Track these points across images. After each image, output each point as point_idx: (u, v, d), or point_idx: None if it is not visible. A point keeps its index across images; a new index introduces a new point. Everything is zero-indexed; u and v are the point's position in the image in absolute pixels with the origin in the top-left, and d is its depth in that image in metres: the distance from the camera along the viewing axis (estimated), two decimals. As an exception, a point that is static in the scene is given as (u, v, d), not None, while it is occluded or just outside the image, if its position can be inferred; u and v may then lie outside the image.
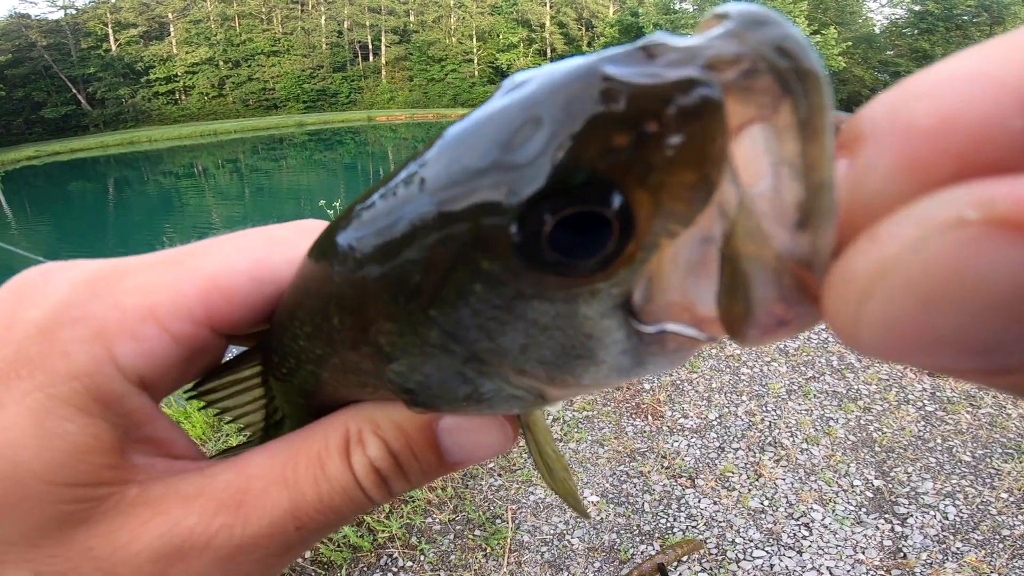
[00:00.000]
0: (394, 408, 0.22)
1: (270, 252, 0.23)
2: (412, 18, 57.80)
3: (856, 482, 2.74)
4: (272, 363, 0.25)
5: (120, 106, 53.50)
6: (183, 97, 56.22)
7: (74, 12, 52.14)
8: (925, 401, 3.33)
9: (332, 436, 0.22)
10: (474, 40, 55.41)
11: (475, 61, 55.17)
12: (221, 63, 56.02)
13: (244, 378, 0.28)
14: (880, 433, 3.07)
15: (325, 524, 0.22)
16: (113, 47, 53.22)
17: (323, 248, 0.20)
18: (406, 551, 2.40)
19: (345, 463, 0.22)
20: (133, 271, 0.21)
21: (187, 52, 54.54)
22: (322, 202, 5.06)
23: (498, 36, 55.15)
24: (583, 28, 55.90)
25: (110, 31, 52.93)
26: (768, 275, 0.13)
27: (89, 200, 23.19)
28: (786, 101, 0.12)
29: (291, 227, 0.25)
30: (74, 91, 51.28)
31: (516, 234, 0.14)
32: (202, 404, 0.27)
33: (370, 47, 58.67)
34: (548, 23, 54.54)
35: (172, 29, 55.00)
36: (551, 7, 54.78)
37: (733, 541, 2.43)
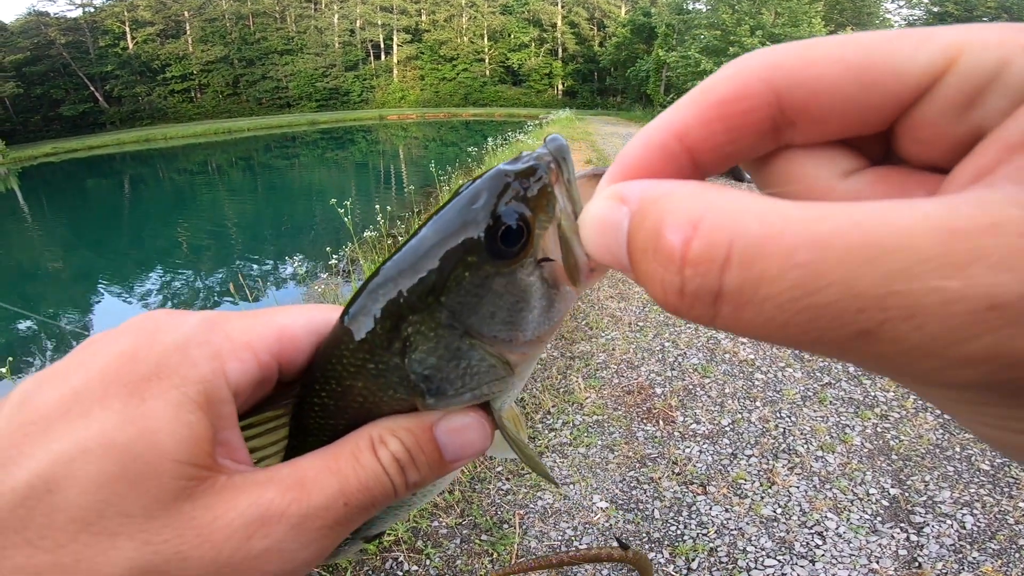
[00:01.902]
0: (403, 418, 0.30)
1: (320, 312, 0.32)
2: (424, 17, 57.94)
3: (872, 490, 2.68)
4: (310, 392, 0.32)
5: (136, 104, 54.19)
6: (198, 95, 56.82)
7: (92, 10, 52.83)
8: (944, 409, 3.25)
9: (361, 439, 0.29)
10: (485, 39, 55.45)
11: (486, 60, 55.22)
12: (235, 61, 56.54)
13: (276, 416, 0.34)
14: (897, 441, 3.00)
15: (365, 503, 0.28)
16: (130, 45, 53.89)
17: (364, 287, 0.30)
18: (412, 555, 2.38)
19: (373, 456, 0.29)
20: (235, 317, 0.30)
21: (202, 50, 55.11)
22: (333, 201, 5.06)
23: (509, 36, 55.17)
24: (595, 28, 55.70)
25: (127, 29, 53.59)
26: (576, 242, 0.26)
27: (105, 197, 23.49)
28: (561, 168, 0.27)
29: (332, 306, 0.34)
30: (92, 89, 51.99)
31: (484, 239, 0.27)
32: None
33: (382, 46, 58.91)
34: (560, 23, 54.45)
35: (188, 27, 55.57)
36: (563, 7, 54.66)
37: (744, 549, 2.38)
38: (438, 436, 0.30)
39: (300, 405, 0.33)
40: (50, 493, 0.23)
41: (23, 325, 8.57)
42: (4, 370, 3.14)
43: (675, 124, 0.21)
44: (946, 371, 0.14)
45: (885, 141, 0.19)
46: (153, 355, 0.26)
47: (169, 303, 9.61)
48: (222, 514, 0.25)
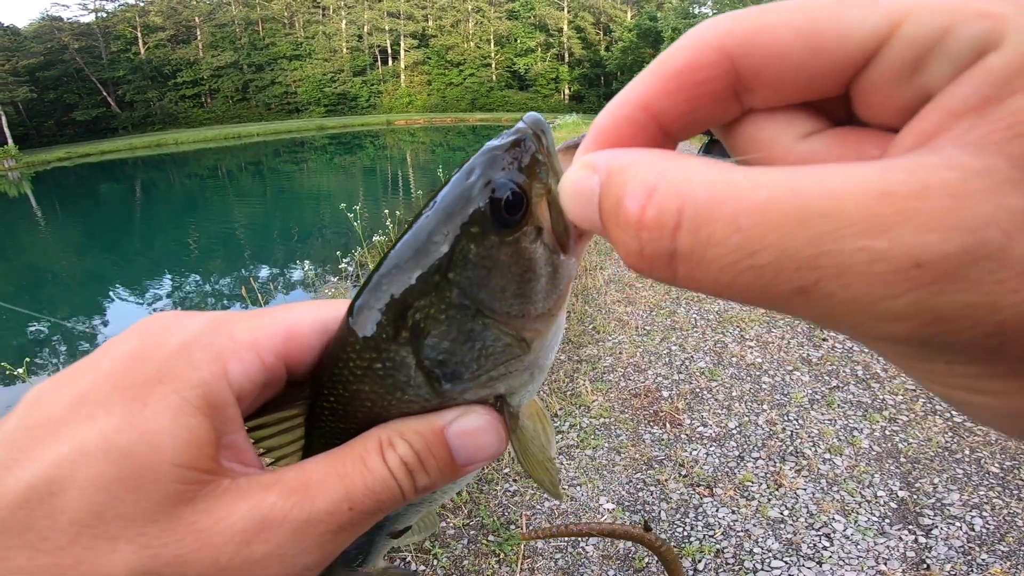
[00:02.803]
0: (413, 420, 0.29)
1: (329, 309, 0.32)
2: (430, 23, 58.23)
3: (880, 493, 2.67)
4: (319, 396, 0.32)
5: (148, 109, 54.77)
6: (208, 100, 57.34)
7: (104, 15, 53.50)
8: (953, 412, 3.23)
9: (370, 442, 0.29)
10: (492, 44, 55.63)
11: (493, 65, 55.39)
12: (245, 67, 57.05)
13: (290, 416, 0.33)
14: (906, 444, 2.99)
15: (370, 507, 0.28)
16: (142, 50, 54.52)
17: (365, 284, 0.29)
18: (419, 555, 2.39)
19: (381, 459, 0.28)
20: (239, 318, 0.30)
21: (212, 56, 55.66)
22: (343, 205, 5.11)
23: (516, 41, 55.32)
24: (601, 32, 55.75)
25: (139, 34, 54.23)
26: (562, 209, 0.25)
27: (118, 201, 23.74)
28: (543, 139, 0.28)
29: (342, 301, 0.33)
30: (104, 94, 52.60)
31: (487, 208, 0.27)
32: (254, 441, 0.32)
33: (389, 51, 59.25)
34: (566, 27, 54.55)
35: (198, 33, 56.15)
36: (569, 12, 54.77)
37: (751, 551, 2.38)
38: (450, 439, 0.29)
39: (311, 407, 0.33)
40: (52, 496, 0.23)
41: (38, 328, 8.69)
42: (22, 371, 3.20)
43: (639, 95, 0.22)
44: (876, 326, 0.15)
45: (847, 103, 0.20)
46: (156, 358, 0.26)
47: (180, 306, 9.69)
48: (222, 518, 0.25)
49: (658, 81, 0.21)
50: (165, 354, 0.26)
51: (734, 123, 0.22)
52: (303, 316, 0.31)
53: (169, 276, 11.62)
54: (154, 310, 9.58)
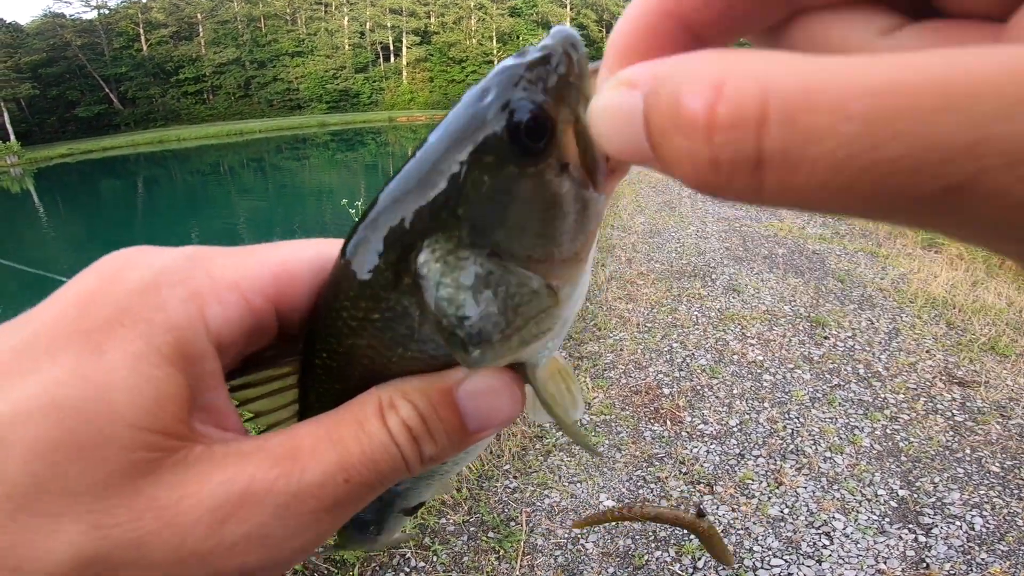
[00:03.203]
0: (418, 378, 0.25)
1: (327, 247, 0.27)
2: (433, 20, 58.16)
3: (880, 492, 2.67)
4: (312, 351, 0.28)
5: (151, 105, 54.82)
6: (211, 97, 57.38)
7: (107, 12, 53.51)
8: (954, 411, 3.23)
9: (368, 403, 0.25)
10: (494, 42, 55.56)
11: (495, 63, 55.12)
12: (247, 63, 57.05)
13: (282, 375, 0.29)
14: (907, 443, 2.99)
15: (369, 479, 0.24)
16: (144, 47, 54.55)
17: (362, 218, 0.26)
18: (419, 551, 2.40)
19: (381, 423, 0.24)
20: (221, 253, 0.25)
21: (215, 52, 55.66)
22: (344, 201, 5.11)
23: (518, 38, 55.24)
24: (603, 30, 55.62)
25: (141, 31, 54.25)
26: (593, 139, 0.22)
27: (120, 197, 23.79)
28: (576, 58, 0.23)
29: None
30: (106, 90, 52.65)
31: (505, 133, 0.23)
32: (238, 402, 0.28)
33: (391, 48, 59.20)
34: (568, 25, 54.41)
35: (201, 29, 56.14)
36: (571, 9, 54.65)
37: (751, 549, 2.38)
38: (459, 400, 0.25)
39: (303, 364, 0.29)
40: None
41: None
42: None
43: None
44: None
45: None
46: (115, 297, 0.22)
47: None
48: (191, 493, 0.21)
49: None
50: (127, 292, 0.22)
51: (780, 29, 0.19)
52: (297, 252, 0.26)
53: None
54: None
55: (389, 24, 57.45)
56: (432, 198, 0.23)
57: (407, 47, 57.33)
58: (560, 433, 3.15)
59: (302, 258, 0.26)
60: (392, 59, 59.29)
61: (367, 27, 58.32)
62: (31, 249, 15.28)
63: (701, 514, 0.72)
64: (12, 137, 39.03)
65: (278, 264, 0.26)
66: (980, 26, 0.16)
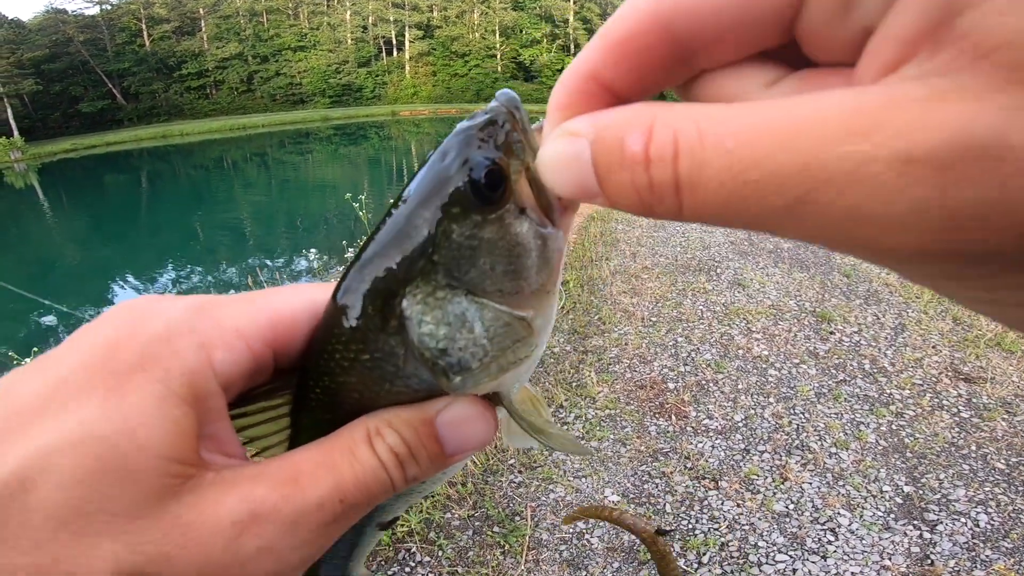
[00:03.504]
0: (402, 409, 0.29)
1: (317, 293, 0.31)
2: (435, 13, 57.91)
3: (886, 487, 2.66)
4: (305, 386, 0.31)
5: (154, 100, 54.82)
6: (213, 92, 57.34)
7: (109, 7, 53.45)
8: (960, 407, 3.21)
9: (357, 432, 0.28)
10: (497, 35, 55.28)
11: (498, 56, 55.05)
12: (250, 58, 56.96)
13: (274, 406, 0.32)
14: (912, 439, 2.98)
15: (362, 499, 0.27)
16: (147, 42, 54.48)
17: (349, 269, 0.29)
18: (424, 546, 2.40)
19: (370, 450, 0.27)
20: (224, 303, 0.28)
21: (217, 47, 55.57)
22: (348, 195, 5.12)
23: (521, 32, 54.96)
24: (608, 22, 55.22)
25: (143, 26, 54.17)
26: (541, 184, 0.25)
27: (123, 192, 23.84)
28: (518, 114, 0.27)
29: (332, 285, 0.32)
30: (109, 85, 52.66)
31: (467, 188, 0.26)
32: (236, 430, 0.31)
33: (394, 42, 58.99)
34: (572, 19, 54.11)
35: (203, 24, 56.04)
36: (575, 3, 54.31)
37: (756, 544, 2.38)
38: (439, 428, 0.29)
39: (297, 396, 0.32)
40: (25, 492, 0.21)
41: (45, 317, 8.76)
42: (29, 360, 3.22)
43: (587, 67, 0.22)
44: (883, 238, 0.15)
45: (798, 47, 0.21)
46: (136, 345, 0.25)
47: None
48: (210, 513, 0.24)
49: (602, 53, 0.22)
50: (146, 341, 0.25)
51: (691, 83, 0.23)
52: (291, 300, 0.30)
53: (175, 266, 11.68)
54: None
55: (392, 18, 57.21)
56: (410, 248, 0.27)
57: (410, 41, 57.12)
58: (564, 429, 3.15)
59: (295, 306, 0.30)
60: (395, 53, 59.09)
61: (370, 21, 58.11)
62: (36, 245, 15.33)
63: (661, 532, 0.74)
64: (16, 133, 39.11)
65: (274, 312, 0.29)
66: (839, 72, 0.20)
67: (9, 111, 41.35)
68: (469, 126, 0.27)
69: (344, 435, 0.28)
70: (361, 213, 5.50)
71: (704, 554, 2.35)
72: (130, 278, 11.34)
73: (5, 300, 7.92)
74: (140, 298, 0.28)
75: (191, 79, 55.78)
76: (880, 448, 2.92)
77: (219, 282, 10.48)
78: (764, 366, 3.69)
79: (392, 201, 0.28)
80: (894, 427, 3.08)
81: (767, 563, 2.30)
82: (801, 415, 3.19)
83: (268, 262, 10.76)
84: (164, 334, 0.25)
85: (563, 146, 0.21)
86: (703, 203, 0.18)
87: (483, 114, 0.27)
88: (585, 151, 0.20)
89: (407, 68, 57.97)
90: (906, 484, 2.68)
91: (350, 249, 5.87)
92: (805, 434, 3.04)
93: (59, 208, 20.94)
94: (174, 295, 0.28)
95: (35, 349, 3.60)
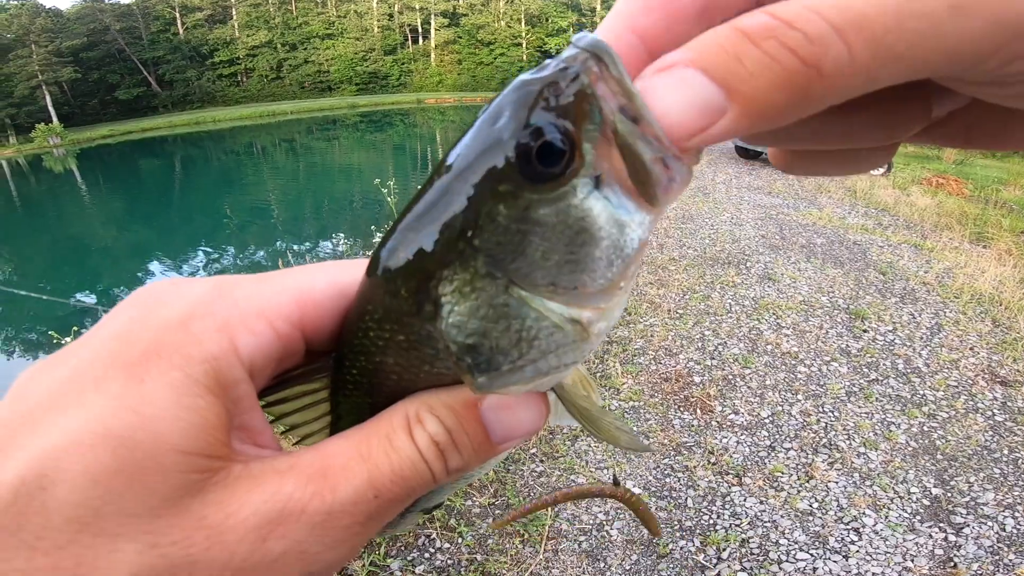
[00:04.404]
0: (444, 392, 0.26)
1: (345, 270, 0.28)
2: (461, 1, 57.60)
3: (914, 489, 2.61)
4: (341, 368, 0.29)
5: (187, 87, 55.95)
6: (244, 79, 58.22)
7: (144, -4, 54.51)
8: (995, 411, 3.12)
9: (396, 418, 0.26)
10: (523, 24, 54.81)
11: (524, 45, 54.62)
12: (279, 46, 57.61)
13: (313, 390, 0.30)
14: (944, 441, 2.90)
15: (398, 494, 0.25)
16: (180, 30, 55.51)
17: (383, 243, 0.25)
18: (444, 532, 2.44)
19: (409, 438, 0.25)
20: (244, 282, 0.26)
21: (248, 35, 56.32)
22: (377, 180, 5.16)
23: (547, 20, 54.39)
24: (638, 9, 54.34)
25: (177, 15, 55.17)
26: (643, 146, 0.21)
27: (158, 177, 24.47)
28: (603, 66, 0.21)
29: (361, 261, 0.29)
30: (145, 73, 53.87)
31: (516, 161, 0.22)
32: (271, 418, 0.29)
33: (420, 30, 58.96)
34: (599, 7, 53.30)
35: (234, 12, 56.81)
36: (605, -12, 53.42)
37: (777, 542, 2.36)
38: (484, 413, 0.26)
39: (334, 380, 0.30)
40: (42, 490, 0.20)
41: (79, 300, 9.09)
42: (69, 339, 3.36)
43: (626, 20, 0.22)
44: None
45: None
46: (151, 332, 0.23)
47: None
48: (235, 511, 0.22)
49: (642, 3, 0.21)
50: (162, 326, 0.23)
51: None
52: (315, 278, 0.27)
53: (207, 248, 11.99)
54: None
55: (418, 6, 57.14)
56: (448, 228, 0.23)
57: (435, 29, 57.00)
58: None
59: (320, 284, 0.27)
60: (420, 41, 59.07)
61: (396, 9, 58.14)
62: (75, 226, 15.88)
63: (616, 482, 0.73)
64: (55, 119, 40.37)
65: (298, 291, 0.27)
66: None
67: (48, 98, 42.69)
68: (531, 79, 0.22)
69: (382, 422, 0.26)
70: (389, 199, 5.56)
71: (724, 550, 2.33)
72: (164, 259, 11.68)
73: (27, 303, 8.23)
74: (156, 283, 0.26)
75: (223, 67, 56.71)
76: (910, 449, 2.85)
77: (249, 263, 10.73)
78: (793, 362, 3.62)
79: (435, 168, 0.25)
80: (926, 428, 3.00)
81: (787, 561, 2.28)
82: (830, 413, 3.13)
83: (296, 245, 10.96)
84: (182, 318, 0.24)
85: (678, 79, 0.19)
86: (883, 31, 0.16)
87: (555, 63, 0.23)
88: (689, 72, 0.19)
89: (432, 56, 57.93)
90: (935, 486, 2.62)
91: (377, 234, 5.94)
92: (833, 432, 2.98)
93: (96, 192, 21.60)
94: (192, 278, 0.27)
95: (75, 328, 3.74)
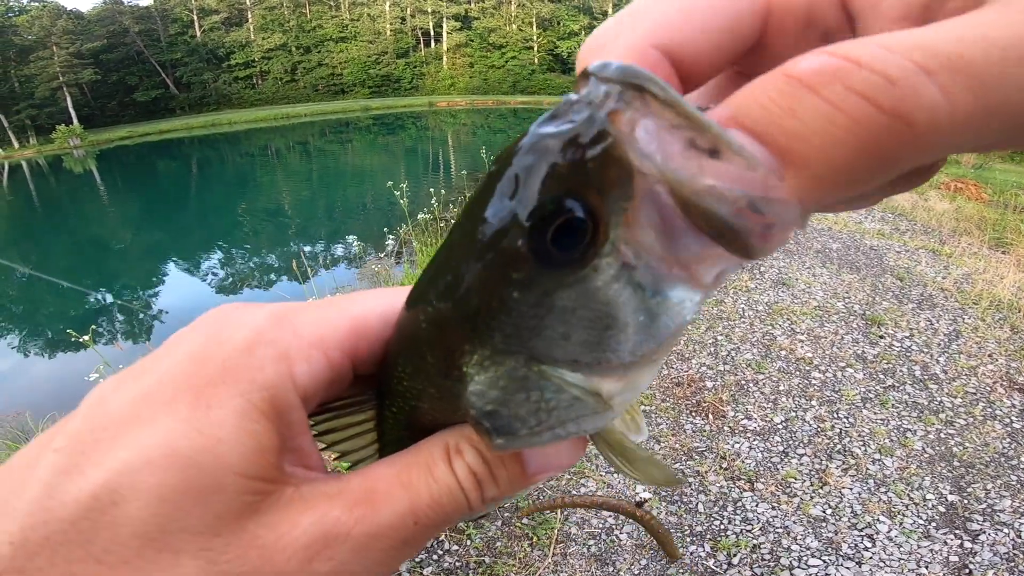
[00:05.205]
0: None
1: (397, 299, 0.29)
2: (473, 5, 57.80)
3: (929, 496, 2.57)
4: (383, 404, 0.30)
5: (204, 90, 56.66)
6: (259, 82, 58.86)
7: None
8: (1013, 418, 3.07)
9: (436, 448, 0.27)
10: (534, 27, 54.87)
11: (535, 49, 54.67)
12: (293, 49, 58.19)
13: (360, 422, 0.32)
14: (961, 448, 2.86)
15: (436, 520, 0.26)
16: (198, 33, 56.27)
17: (412, 299, 0.26)
18: (452, 535, 2.44)
19: (448, 468, 0.26)
20: (304, 310, 0.28)
21: (263, 38, 56.96)
22: (389, 183, 5.19)
23: (559, 24, 54.41)
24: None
25: (195, 17, 55.94)
26: (719, 198, 0.17)
27: (175, 177, 24.80)
28: (646, 95, 0.18)
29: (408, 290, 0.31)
30: (163, 75, 54.66)
31: (527, 246, 0.20)
32: (323, 446, 0.31)
33: (432, 33, 59.26)
34: (611, 11, 53.15)
35: (250, 15, 57.51)
36: (618, -9, 53.33)
37: (789, 548, 2.34)
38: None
39: (378, 412, 0.31)
40: (114, 505, 0.22)
41: (96, 297, 9.24)
42: (87, 338, 3.43)
43: (651, 34, 0.20)
44: None
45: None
46: (219, 357, 0.25)
47: (230, 279, 10.11)
48: (285, 533, 0.24)
49: (676, 11, 0.20)
50: (228, 352, 0.25)
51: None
52: (369, 307, 0.29)
53: (222, 250, 12.12)
54: (205, 280, 10.05)
55: (430, 9, 57.44)
56: (464, 305, 0.22)
57: (447, 32, 57.25)
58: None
59: (374, 313, 0.28)
60: (432, 44, 59.37)
61: (408, 12, 58.50)
62: (94, 226, 16.14)
63: (639, 504, 0.72)
64: (75, 120, 41.08)
65: (353, 320, 0.28)
66: None
67: (69, 99, 43.43)
68: (545, 136, 0.19)
69: (424, 451, 0.27)
70: (403, 202, 5.59)
71: (735, 555, 2.32)
72: (180, 259, 11.84)
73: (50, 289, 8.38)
74: (224, 306, 0.28)
75: (239, 69, 57.38)
76: (926, 456, 2.81)
77: (262, 265, 10.83)
78: (807, 368, 3.59)
79: (454, 225, 0.24)
80: (943, 435, 2.96)
81: (799, 567, 2.25)
82: (845, 419, 3.10)
83: (309, 247, 11.04)
84: (246, 346, 0.25)
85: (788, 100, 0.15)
86: (986, 74, 0.14)
87: (578, 110, 0.19)
88: (744, 139, 0.16)
89: (444, 59, 58.17)
90: (951, 493, 2.58)
91: (391, 237, 5.96)
92: (848, 439, 2.95)
93: (115, 192, 21.94)
94: (255, 303, 0.28)
95: (92, 327, 3.80)
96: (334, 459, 0.32)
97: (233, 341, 0.25)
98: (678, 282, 0.20)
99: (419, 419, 0.28)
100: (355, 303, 0.29)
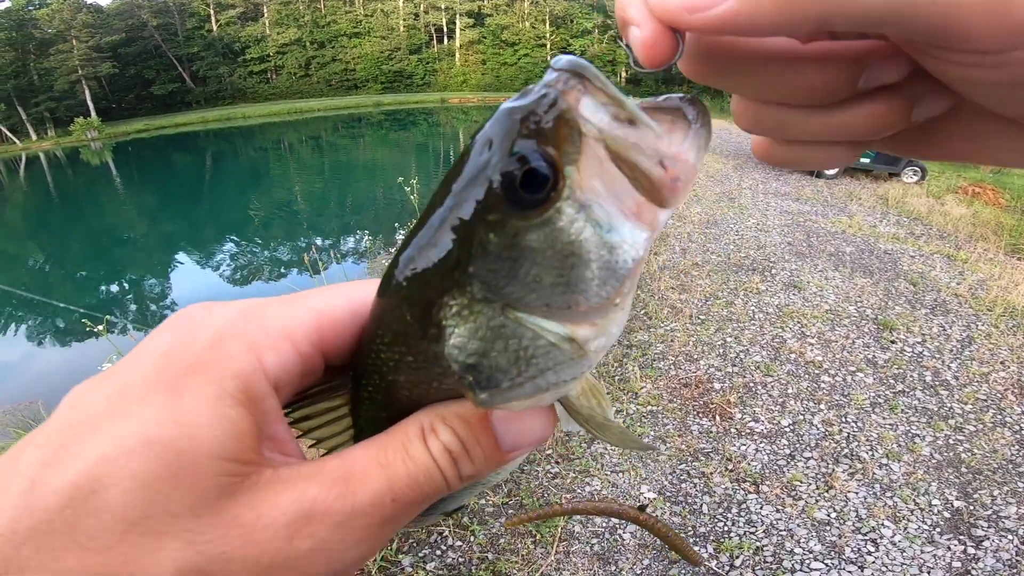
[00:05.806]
0: (456, 403, 0.28)
1: (360, 291, 0.30)
2: (486, 2, 57.64)
3: (935, 501, 2.56)
4: (359, 385, 0.31)
5: (220, 84, 57.05)
6: (274, 76, 59.16)
7: (180, -6, 55.77)
8: (1023, 425, 3.03)
9: (411, 429, 0.28)
10: (547, 25, 54.62)
11: (548, 46, 54.39)
12: (308, 44, 58.41)
13: (336, 407, 0.32)
14: (969, 454, 2.84)
15: (414, 499, 0.27)
16: (214, 27, 56.65)
17: (390, 271, 0.27)
18: (457, 531, 2.46)
19: (424, 447, 0.27)
20: (270, 305, 0.29)
21: (278, 33, 57.22)
22: (400, 179, 5.21)
23: (572, 22, 54.12)
24: (666, 10, 53.63)
25: (212, 12, 56.32)
26: (641, 153, 0.23)
27: (190, 170, 25.05)
28: (586, 80, 0.23)
29: (374, 282, 0.31)
30: (180, 69, 55.12)
31: (501, 190, 0.23)
32: (298, 433, 0.32)
33: (445, 30, 59.20)
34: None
35: (265, 10, 57.81)
36: (632, -12, 52.88)
37: (792, 551, 2.34)
38: (494, 424, 0.28)
39: (353, 396, 0.32)
40: (95, 493, 0.22)
41: (118, 287, 9.37)
42: (101, 328, 3.49)
43: None
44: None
45: None
46: (189, 351, 0.26)
47: (243, 271, 10.21)
48: (265, 512, 0.24)
49: None
50: (198, 346, 0.26)
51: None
52: (334, 300, 0.30)
53: (235, 242, 12.24)
54: (218, 273, 10.16)
55: (443, 6, 57.37)
56: (445, 257, 0.24)
57: (460, 29, 57.19)
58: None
59: (338, 306, 0.30)
60: (445, 41, 59.33)
61: (421, 9, 58.49)
62: (109, 217, 16.36)
63: (642, 508, 0.73)
64: (93, 113, 41.58)
65: (319, 313, 0.29)
66: None
67: (87, 92, 43.93)
68: (513, 107, 0.24)
69: (399, 431, 0.28)
70: (413, 197, 5.62)
71: (737, 557, 2.32)
72: (194, 250, 11.98)
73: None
74: (192, 306, 0.29)
75: (254, 64, 57.70)
76: (934, 462, 2.80)
77: (274, 257, 10.92)
78: (817, 371, 3.57)
79: (433, 194, 0.26)
80: (951, 441, 2.93)
81: (801, 570, 2.25)
82: (853, 424, 3.08)
83: (320, 240, 11.12)
84: (215, 339, 0.26)
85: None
86: None
87: (536, 89, 0.24)
88: None
89: (457, 56, 58.09)
90: (957, 499, 2.56)
91: (400, 231, 6.00)
92: (856, 443, 2.93)
93: (131, 184, 22.20)
94: (223, 301, 0.29)
95: (106, 318, 3.86)
96: (309, 446, 0.33)
97: (202, 337, 0.26)
98: (627, 219, 0.24)
99: (395, 398, 0.29)
100: (319, 296, 0.30)
